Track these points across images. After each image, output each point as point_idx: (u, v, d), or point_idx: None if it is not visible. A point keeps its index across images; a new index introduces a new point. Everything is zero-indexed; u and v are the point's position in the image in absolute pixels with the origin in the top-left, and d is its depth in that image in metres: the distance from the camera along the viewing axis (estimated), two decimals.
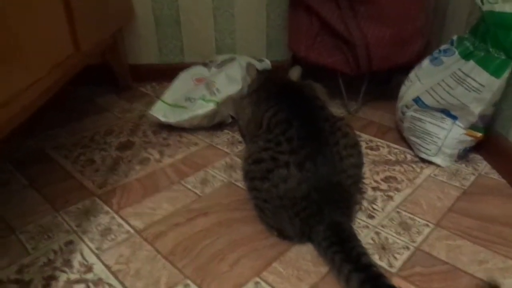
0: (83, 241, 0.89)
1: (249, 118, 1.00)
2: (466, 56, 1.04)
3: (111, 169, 1.15)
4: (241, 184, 1.06)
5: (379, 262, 0.82)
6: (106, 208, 1.00)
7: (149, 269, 0.82)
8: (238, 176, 1.10)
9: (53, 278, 0.80)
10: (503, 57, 0.97)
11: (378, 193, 1.03)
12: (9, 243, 0.89)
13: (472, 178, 1.08)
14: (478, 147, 1.16)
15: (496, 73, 0.97)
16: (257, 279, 0.79)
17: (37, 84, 0.89)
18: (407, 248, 0.86)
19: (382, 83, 1.62)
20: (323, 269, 0.80)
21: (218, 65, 1.45)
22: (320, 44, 1.38)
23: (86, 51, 1.13)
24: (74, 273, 0.81)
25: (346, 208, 0.87)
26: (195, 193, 1.05)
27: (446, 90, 1.06)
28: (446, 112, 1.10)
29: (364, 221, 0.94)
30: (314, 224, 0.81)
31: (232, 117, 1.38)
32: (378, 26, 1.28)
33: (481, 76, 0.99)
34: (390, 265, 0.81)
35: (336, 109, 1.46)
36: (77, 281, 0.79)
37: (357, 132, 1.29)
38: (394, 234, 0.89)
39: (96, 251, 0.86)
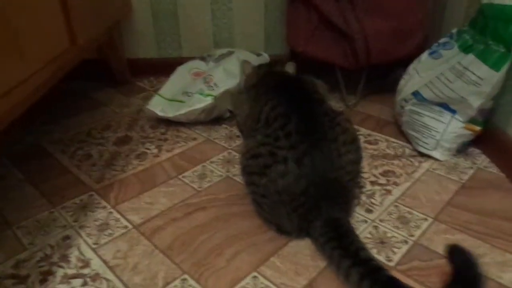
0: (80, 236, 0.89)
1: (247, 113, 0.99)
2: (465, 49, 1.04)
3: (108, 164, 1.15)
4: (239, 178, 1.06)
5: (377, 256, 0.82)
6: (104, 203, 0.99)
7: (147, 264, 0.81)
8: (236, 170, 1.10)
9: (50, 273, 0.80)
10: (503, 50, 0.97)
11: (377, 187, 1.03)
12: (6, 238, 0.89)
13: (471, 172, 1.08)
14: (477, 141, 1.15)
15: (495, 66, 0.96)
16: (255, 274, 0.79)
17: (33, 77, 0.88)
18: (406, 242, 0.86)
19: (380, 77, 1.61)
20: (321, 263, 0.80)
21: (216, 59, 1.44)
22: (318, 38, 1.38)
23: (83, 45, 1.12)
24: (71, 268, 0.81)
25: (344, 203, 0.86)
26: (193, 187, 1.04)
27: (445, 84, 1.05)
28: (445, 106, 1.09)
29: (362, 215, 0.93)
30: (312, 220, 0.81)
31: (230, 112, 1.37)
32: (377, 18, 1.27)
33: (481, 69, 0.98)
34: (389, 259, 0.81)
35: (334, 103, 1.45)
36: (74, 276, 0.79)
37: (356, 126, 1.28)
38: (393, 228, 0.89)
39: (93, 246, 0.86)
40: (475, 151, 1.17)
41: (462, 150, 1.15)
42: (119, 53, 1.63)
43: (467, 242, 0.85)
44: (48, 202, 1.00)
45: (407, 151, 1.18)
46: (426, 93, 1.10)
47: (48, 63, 0.94)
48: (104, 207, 0.98)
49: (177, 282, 0.77)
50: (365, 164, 1.11)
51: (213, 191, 1.03)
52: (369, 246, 0.84)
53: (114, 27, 1.53)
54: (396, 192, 1.01)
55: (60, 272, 0.80)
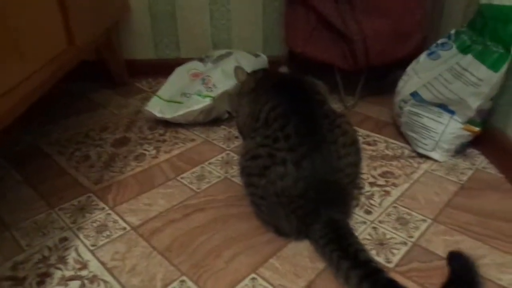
0: (78, 238, 0.88)
1: (247, 115, 0.98)
2: (464, 50, 1.04)
3: (106, 165, 1.14)
4: (237, 180, 1.05)
5: (376, 258, 0.81)
6: (102, 204, 0.99)
7: (145, 265, 0.81)
8: (234, 172, 1.09)
9: (47, 275, 0.79)
10: (501, 50, 0.97)
11: (376, 189, 1.02)
12: (3, 239, 0.88)
13: (470, 173, 1.08)
14: (476, 142, 1.15)
15: (494, 67, 0.96)
16: (254, 275, 0.78)
17: (32, 78, 0.88)
18: (405, 243, 0.85)
19: (379, 78, 1.61)
20: (320, 265, 0.80)
21: (214, 60, 1.44)
22: (316, 39, 1.37)
23: (81, 46, 1.11)
24: (69, 270, 0.80)
25: (343, 206, 0.86)
26: (191, 189, 1.04)
27: (444, 85, 1.05)
28: (444, 107, 1.09)
29: (361, 216, 0.93)
30: (310, 222, 0.81)
31: (229, 113, 1.37)
32: (376, 19, 1.27)
33: (479, 70, 0.98)
34: (388, 261, 0.81)
35: (333, 105, 1.45)
36: (72, 278, 0.78)
37: (354, 127, 1.28)
38: (392, 230, 0.89)
39: (92, 248, 0.86)
40: (474, 152, 1.17)
41: (461, 151, 1.15)
42: (117, 54, 1.62)
43: (466, 243, 0.85)
44: (46, 203, 0.99)
45: (406, 152, 1.18)
46: (425, 94, 1.10)
47: (46, 64, 0.94)
48: (102, 209, 0.97)
49: (175, 284, 0.77)
50: (364, 165, 1.11)
51: (212, 193, 1.02)
52: (368, 247, 0.84)
53: (112, 28, 1.53)
54: (395, 193, 1.01)
55: (57, 274, 0.79)
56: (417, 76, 1.14)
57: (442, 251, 0.83)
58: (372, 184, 1.04)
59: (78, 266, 0.81)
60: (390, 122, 1.35)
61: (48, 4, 0.96)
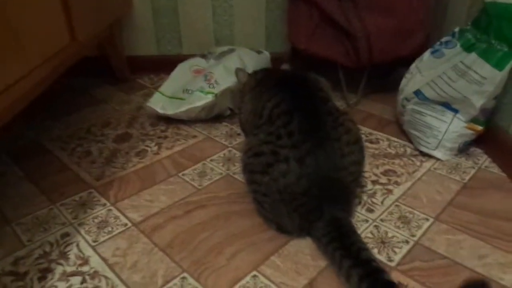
0: (80, 234, 0.88)
1: (249, 112, 0.98)
2: (468, 48, 1.03)
3: (108, 161, 1.14)
4: (239, 177, 1.05)
5: (378, 256, 0.81)
6: (103, 200, 0.99)
7: (146, 262, 0.81)
8: (236, 169, 1.09)
9: (49, 270, 0.79)
10: (506, 49, 0.96)
11: (378, 187, 1.02)
12: (5, 235, 0.88)
13: (472, 172, 1.07)
14: (479, 141, 1.15)
15: (498, 65, 0.96)
16: (255, 273, 0.78)
17: (34, 73, 0.88)
18: (407, 242, 0.85)
19: (382, 76, 1.61)
20: (322, 263, 0.80)
21: (217, 56, 1.43)
22: (320, 36, 1.37)
23: (83, 42, 1.11)
24: (70, 266, 0.80)
25: (346, 204, 0.86)
26: (193, 185, 1.04)
27: (447, 83, 1.04)
28: (447, 105, 1.08)
29: (363, 215, 0.93)
30: (313, 220, 0.80)
31: (231, 110, 1.37)
32: (379, 17, 1.27)
33: (483, 68, 0.98)
34: (390, 259, 0.81)
35: (335, 102, 1.44)
36: (73, 274, 0.78)
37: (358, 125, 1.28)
38: (394, 228, 0.89)
39: (93, 244, 0.86)
40: (476, 151, 1.16)
41: (463, 150, 1.15)
42: (119, 50, 1.62)
43: (468, 242, 0.85)
44: (48, 199, 0.99)
45: (409, 150, 1.18)
46: (428, 92, 1.09)
47: (48, 59, 0.94)
48: (104, 205, 0.97)
49: (176, 280, 0.77)
50: (366, 163, 1.11)
51: (213, 189, 1.02)
52: (370, 246, 0.83)
53: (115, 24, 1.52)
54: (397, 191, 1.00)
55: (59, 270, 0.79)
56: (421, 74, 1.13)
57: (444, 250, 0.83)
58: (374, 182, 1.04)
59: (79, 262, 0.81)
60: (393, 120, 1.34)
61: (50, 0, 0.96)
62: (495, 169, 1.08)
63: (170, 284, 0.76)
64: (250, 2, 1.62)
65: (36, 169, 1.10)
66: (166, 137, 1.26)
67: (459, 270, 0.78)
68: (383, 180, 1.05)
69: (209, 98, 1.27)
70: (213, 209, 0.95)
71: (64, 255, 0.83)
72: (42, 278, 0.78)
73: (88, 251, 0.84)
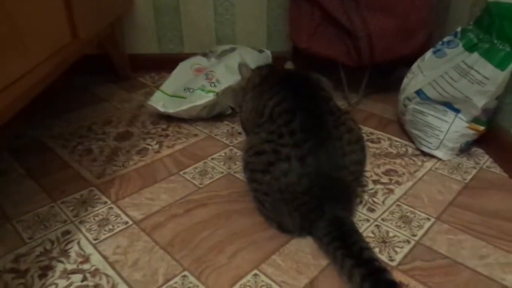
0: (81, 231, 0.88)
1: (250, 110, 0.97)
2: (470, 48, 1.03)
3: (109, 159, 1.14)
4: (240, 175, 1.05)
5: (379, 256, 0.81)
6: (104, 198, 0.99)
7: (147, 260, 0.81)
8: (237, 167, 1.09)
9: (49, 268, 0.79)
10: (508, 49, 0.96)
11: (379, 186, 1.02)
12: (6, 232, 0.88)
13: (474, 172, 1.07)
14: (480, 141, 1.15)
15: (500, 65, 0.96)
16: (256, 272, 0.78)
17: (35, 71, 0.87)
18: (408, 241, 0.85)
19: (384, 75, 1.60)
20: (323, 262, 0.80)
21: (218, 55, 1.43)
22: (321, 35, 1.37)
23: (84, 39, 1.11)
24: (71, 263, 0.80)
25: (347, 203, 0.86)
26: (194, 184, 1.03)
27: (449, 83, 1.04)
28: (449, 105, 1.08)
29: (364, 214, 0.93)
30: (314, 219, 0.80)
31: (232, 108, 1.37)
32: (381, 16, 1.26)
33: (485, 68, 0.97)
34: (391, 259, 0.81)
35: (337, 101, 1.44)
36: (74, 272, 0.78)
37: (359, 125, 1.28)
38: (395, 228, 0.89)
39: (94, 242, 0.85)
40: (478, 151, 1.16)
41: (465, 150, 1.15)
42: (120, 48, 1.62)
43: (470, 243, 0.84)
44: (48, 196, 0.99)
45: (410, 150, 1.18)
46: (430, 92, 1.09)
47: (50, 57, 0.94)
48: (105, 203, 0.97)
49: (177, 279, 0.77)
50: (367, 162, 1.11)
51: (214, 188, 1.02)
52: (371, 245, 0.83)
53: (116, 22, 1.52)
54: (399, 191, 1.00)
55: (59, 267, 0.79)
56: (422, 74, 1.13)
57: (446, 250, 0.83)
58: (375, 182, 1.04)
59: (80, 259, 0.81)
60: (394, 120, 1.34)
61: None
62: (496, 169, 1.08)
63: (171, 282, 0.76)
64: (251, 1, 1.62)
65: (37, 166, 1.10)
66: (167, 135, 1.26)
67: (460, 270, 0.78)
68: (384, 179, 1.05)
69: (210, 96, 1.27)
70: (214, 207, 0.95)
71: (65, 253, 0.83)
72: (43, 275, 0.78)
73: (89, 249, 0.84)
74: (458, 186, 1.02)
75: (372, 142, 1.22)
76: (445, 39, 1.14)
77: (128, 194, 1.00)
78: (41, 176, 1.06)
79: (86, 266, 0.80)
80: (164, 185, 1.03)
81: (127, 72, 1.68)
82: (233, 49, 1.43)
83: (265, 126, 0.85)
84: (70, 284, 0.76)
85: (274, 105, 0.86)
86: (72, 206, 0.96)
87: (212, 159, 1.14)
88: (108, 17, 1.37)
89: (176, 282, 0.76)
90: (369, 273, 0.68)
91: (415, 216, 0.92)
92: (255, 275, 0.77)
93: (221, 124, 1.33)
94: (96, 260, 0.81)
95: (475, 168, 1.09)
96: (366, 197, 0.98)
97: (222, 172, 1.08)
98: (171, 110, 1.29)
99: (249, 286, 0.75)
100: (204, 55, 1.47)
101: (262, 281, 0.76)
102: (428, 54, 1.16)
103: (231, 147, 1.20)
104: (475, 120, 1.07)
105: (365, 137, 1.24)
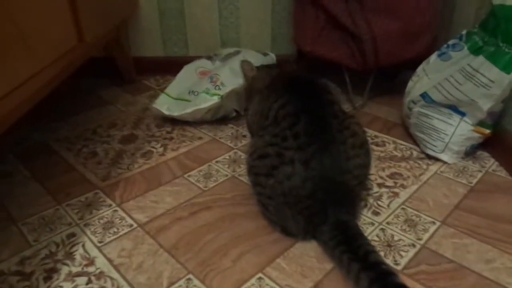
0: (85, 234, 0.89)
1: (256, 112, 0.97)
2: (475, 51, 1.02)
3: (114, 162, 1.14)
4: (244, 178, 1.05)
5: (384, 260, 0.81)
6: (109, 201, 0.99)
7: (151, 263, 0.81)
8: (241, 170, 1.09)
9: (54, 270, 0.79)
10: None
11: (384, 190, 1.02)
12: (11, 234, 0.89)
13: (479, 175, 1.07)
14: (486, 144, 1.14)
15: (506, 68, 0.95)
16: (260, 275, 0.78)
17: (41, 74, 0.88)
18: (413, 245, 0.85)
19: (388, 78, 1.60)
20: (328, 265, 0.79)
21: (223, 58, 1.43)
22: (326, 38, 1.37)
23: (90, 43, 1.12)
24: (76, 266, 0.80)
25: (351, 207, 0.85)
26: (198, 187, 1.04)
27: (454, 86, 1.04)
28: (454, 108, 1.08)
29: (369, 218, 0.92)
30: (317, 223, 0.80)
31: (236, 111, 1.37)
32: (386, 19, 1.26)
33: (491, 71, 0.97)
34: (396, 263, 0.80)
35: (341, 105, 1.44)
36: (79, 274, 0.79)
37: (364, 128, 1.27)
38: (400, 231, 0.88)
39: (98, 244, 0.86)
40: (483, 154, 1.16)
41: (470, 153, 1.14)
42: (125, 51, 1.63)
43: (475, 247, 0.84)
44: (54, 199, 1.00)
45: (415, 153, 1.17)
46: (435, 95, 1.09)
47: (56, 60, 0.94)
48: (110, 205, 0.97)
49: (182, 282, 0.77)
50: (372, 166, 1.10)
51: (219, 191, 1.02)
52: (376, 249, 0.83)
53: (121, 25, 1.53)
54: (404, 194, 1.00)
55: (64, 270, 0.80)
56: (427, 77, 1.13)
57: (451, 254, 0.82)
58: (380, 185, 1.03)
59: (85, 262, 0.81)
60: (399, 123, 1.34)
61: (58, 1, 0.96)
62: (502, 173, 1.08)
63: (175, 286, 0.76)
64: (256, 4, 1.63)
65: (42, 169, 1.11)
66: (171, 138, 1.27)
67: (466, 274, 0.78)
68: (389, 183, 1.04)
69: (215, 99, 1.27)
70: (218, 210, 0.95)
71: (70, 256, 0.83)
72: (48, 278, 0.78)
73: (94, 252, 0.84)
74: (463, 189, 1.01)
75: (377, 145, 1.22)
76: (450, 42, 1.14)
77: (133, 197, 1.00)
78: (46, 179, 1.07)
79: (91, 269, 0.80)
80: (168, 188, 1.03)
81: (132, 75, 1.69)
82: (237, 52, 1.44)
83: (269, 129, 0.85)
84: (75, 287, 0.76)
85: (278, 107, 0.86)
86: (77, 208, 0.96)
87: (217, 162, 1.14)
88: (114, 20, 1.37)
89: (180, 285, 0.76)
90: (377, 277, 0.68)
91: (420, 220, 0.92)
92: (260, 278, 0.77)
93: (225, 127, 1.33)
94: (101, 262, 0.81)
95: (480, 171, 1.08)
96: (371, 200, 0.98)
97: (227, 175, 1.08)
98: (175, 113, 1.29)
99: None
100: (209, 58, 1.47)
101: (267, 284, 0.76)
102: (433, 57, 1.16)
103: (235, 150, 1.20)
104: (481, 123, 1.07)
105: (370, 140, 1.23)
